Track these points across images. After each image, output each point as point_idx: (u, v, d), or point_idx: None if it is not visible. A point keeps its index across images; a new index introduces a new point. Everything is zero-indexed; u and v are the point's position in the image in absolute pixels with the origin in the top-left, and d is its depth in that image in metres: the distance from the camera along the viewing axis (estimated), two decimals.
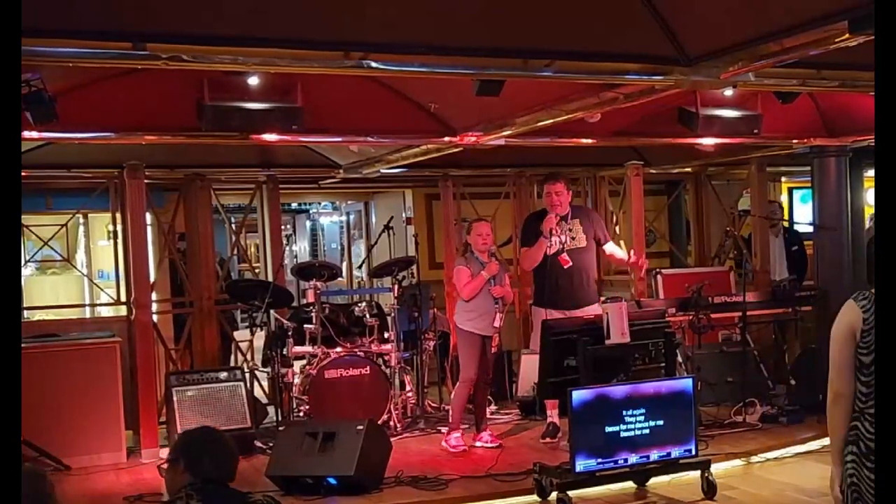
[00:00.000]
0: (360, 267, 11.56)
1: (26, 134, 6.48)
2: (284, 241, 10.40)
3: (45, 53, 4.76)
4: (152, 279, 8.78)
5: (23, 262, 10.29)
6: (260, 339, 9.03)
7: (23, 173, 8.47)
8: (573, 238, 7.97)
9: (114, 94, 6.71)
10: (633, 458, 6.30)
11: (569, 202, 8.06)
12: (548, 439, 7.92)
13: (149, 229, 8.95)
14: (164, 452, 7.93)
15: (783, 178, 13.41)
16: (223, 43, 4.94)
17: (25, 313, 9.78)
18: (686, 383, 6.54)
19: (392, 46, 5.26)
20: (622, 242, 10.90)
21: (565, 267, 7.89)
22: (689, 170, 11.89)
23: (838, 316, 3.49)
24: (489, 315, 7.73)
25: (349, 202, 14.61)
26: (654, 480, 6.57)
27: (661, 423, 6.32)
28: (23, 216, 9.92)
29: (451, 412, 7.93)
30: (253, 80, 6.57)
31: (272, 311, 8.59)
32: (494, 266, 7.78)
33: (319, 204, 16.79)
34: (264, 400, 9.17)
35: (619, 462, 6.27)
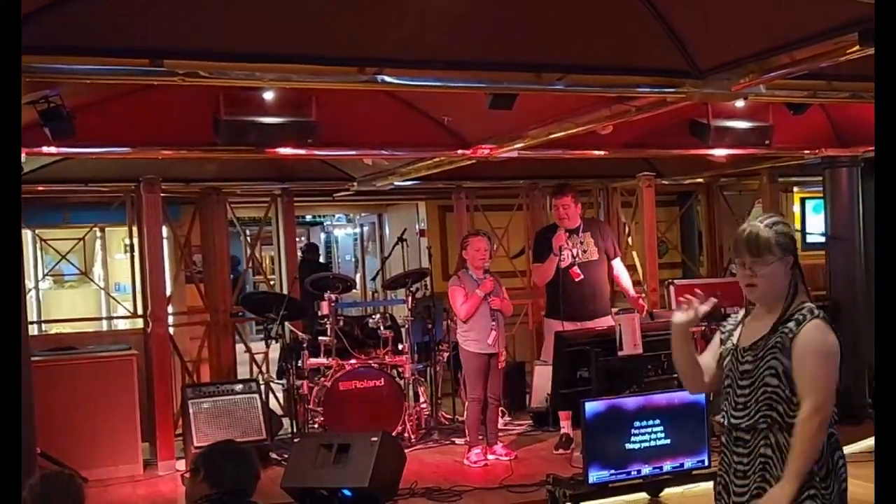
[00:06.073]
0: (373, 279, 11.59)
1: (45, 149, 6.54)
2: (299, 254, 10.40)
3: (64, 70, 4.82)
4: (168, 292, 8.83)
5: (41, 275, 10.39)
6: (275, 351, 9.07)
7: (40, 188, 8.57)
8: (584, 251, 7.98)
9: (131, 110, 6.75)
10: (645, 470, 6.32)
11: (578, 214, 8.07)
12: (561, 450, 7.94)
13: (165, 243, 9.02)
14: (181, 465, 8.02)
15: (795, 189, 13.40)
16: (239, 59, 5.00)
17: (43, 326, 9.86)
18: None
19: (406, 61, 5.30)
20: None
21: (576, 280, 7.90)
22: (700, 181, 11.90)
23: (825, 336, 3.28)
24: (487, 332, 7.64)
25: (363, 214, 14.68)
26: (667, 491, 6.58)
27: (673, 434, 6.33)
28: (41, 230, 10.07)
29: (467, 431, 7.93)
30: (268, 95, 6.61)
31: (287, 324, 8.62)
32: (489, 283, 7.65)
33: (333, 216, 16.87)
34: (279, 412, 9.20)
35: (632, 473, 6.28)
